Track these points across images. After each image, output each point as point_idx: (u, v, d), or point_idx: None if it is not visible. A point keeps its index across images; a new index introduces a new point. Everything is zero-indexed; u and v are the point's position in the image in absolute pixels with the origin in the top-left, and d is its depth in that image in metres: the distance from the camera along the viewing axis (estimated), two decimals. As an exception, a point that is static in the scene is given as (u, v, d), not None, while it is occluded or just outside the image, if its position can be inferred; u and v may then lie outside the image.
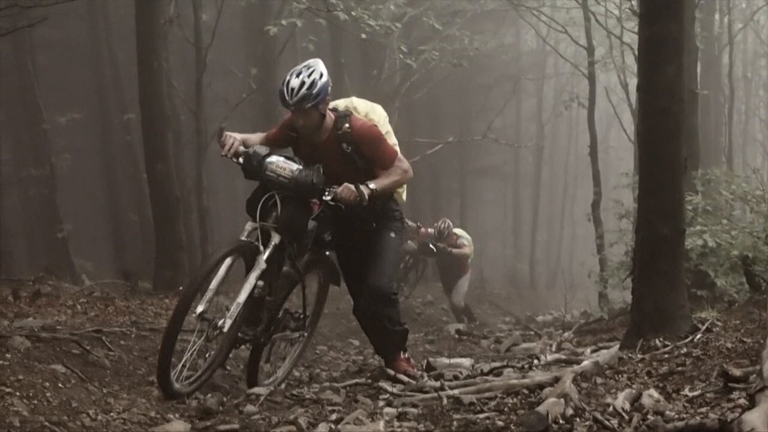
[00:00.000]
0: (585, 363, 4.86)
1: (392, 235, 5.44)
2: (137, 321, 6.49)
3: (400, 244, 5.92)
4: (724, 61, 18.88)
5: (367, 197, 4.88)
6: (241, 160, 4.93)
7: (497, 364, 5.80)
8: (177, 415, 4.16)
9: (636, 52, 8.00)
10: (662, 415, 3.48)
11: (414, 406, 4.21)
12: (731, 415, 3.11)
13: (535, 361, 5.81)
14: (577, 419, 3.55)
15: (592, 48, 14.03)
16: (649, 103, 5.52)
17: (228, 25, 14.11)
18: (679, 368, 4.40)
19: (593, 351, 6.30)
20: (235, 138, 5.04)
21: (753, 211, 8.95)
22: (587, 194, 17.39)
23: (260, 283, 4.74)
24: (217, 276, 4.55)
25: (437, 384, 4.74)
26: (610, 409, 3.65)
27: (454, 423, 3.72)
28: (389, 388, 4.79)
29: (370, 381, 5.12)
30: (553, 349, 7.15)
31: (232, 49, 15.83)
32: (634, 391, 3.87)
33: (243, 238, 4.81)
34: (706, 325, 5.31)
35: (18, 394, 3.77)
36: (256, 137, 5.30)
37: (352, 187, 4.86)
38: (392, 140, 5.46)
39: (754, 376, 3.62)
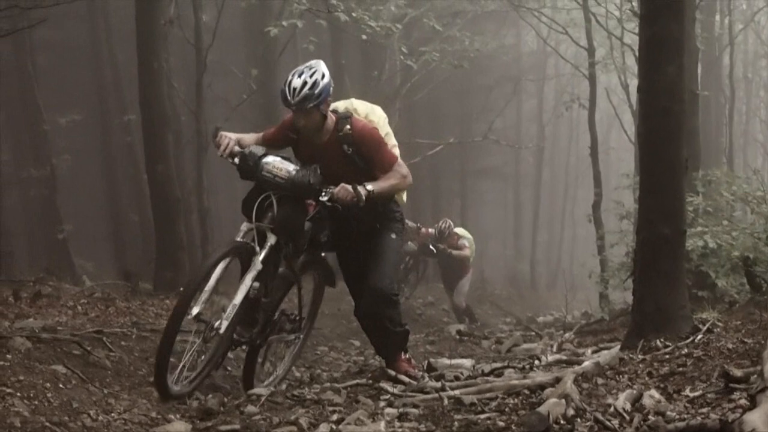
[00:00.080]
0: (586, 363, 4.86)
1: (393, 236, 5.43)
2: (138, 322, 6.49)
3: (401, 245, 5.91)
4: (725, 62, 18.88)
5: (364, 198, 4.87)
6: (236, 160, 4.91)
7: (498, 364, 5.79)
8: (178, 416, 4.16)
9: (636, 53, 8.01)
10: (663, 416, 3.48)
11: (415, 406, 4.20)
12: (732, 416, 3.10)
13: (536, 362, 5.80)
14: (578, 420, 3.55)
15: (592, 49, 14.03)
16: (649, 104, 5.52)
17: (228, 26, 14.11)
18: (680, 369, 4.40)
19: (594, 352, 6.29)
20: (230, 138, 5.02)
21: (754, 212, 8.96)
22: (588, 195, 17.41)
23: (256, 284, 4.72)
24: (213, 277, 4.54)
25: (438, 384, 4.73)
26: (611, 409, 3.65)
27: (455, 423, 3.72)
28: (390, 389, 4.79)
29: (371, 382, 5.11)
30: (554, 349, 7.14)
31: (232, 50, 15.83)
32: (635, 392, 3.87)
33: (239, 239, 4.79)
34: (707, 325, 5.31)
35: (19, 394, 3.77)
36: (251, 137, 5.27)
37: (349, 187, 4.85)
38: (392, 141, 5.45)
39: (755, 376, 3.61)
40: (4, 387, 3.80)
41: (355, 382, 5.16)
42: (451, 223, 11.89)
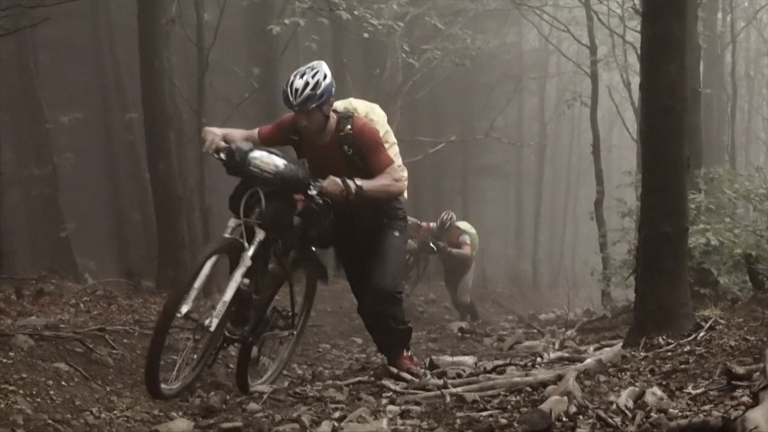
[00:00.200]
0: (588, 361, 4.85)
1: (396, 234, 5.42)
2: (140, 320, 6.49)
3: (405, 243, 5.89)
4: (727, 60, 18.85)
5: (353, 191, 4.83)
6: (223, 155, 4.84)
7: (500, 362, 5.78)
8: (180, 413, 4.16)
9: (638, 51, 8.00)
10: (665, 413, 3.48)
11: (417, 403, 4.20)
12: (735, 413, 3.10)
13: (538, 359, 5.79)
14: (581, 417, 3.54)
15: (594, 47, 14.02)
16: (651, 102, 5.51)
17: (230, 25, 14.11)
18: (683, 366, 4.39)
19: (596, 349, 6.28)
20: (215, 133, 4.98)
21: (756, 210, 8.96)
22: (590, 193, 17.41)
23: (246, 281, 4.66)
24: (201, 275, 4.47)
25: (440, 382, 4.73)
26: (614, 407, 3.65)
27: (457, 421, 3.72)
28: (392, 386, 4.78)
29: (373, 379, 5.11)
30: (556, 347, 7.14)
31: (234, 49, 15.84)
32: (637, 389, 3.86)
33: (227, 235, 4.74)
34: (710, 323, 5.31)
35: (21, 392, 3.78)
36: (238, 133, 5.22)
37: (338, 180, 4.82)
38: (391, 139, 5.44)
39: (758, 374, 3.61)
40: (6, 384, 3.81)
41: (357, 379, 5.16)
42: (454, 216, 11.83)
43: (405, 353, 5.59)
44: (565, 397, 3.69)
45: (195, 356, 4.73)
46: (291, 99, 4.86)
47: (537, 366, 5.48)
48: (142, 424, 3.84)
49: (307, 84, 4.84)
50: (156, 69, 9.70)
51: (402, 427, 3.68)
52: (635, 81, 10.35)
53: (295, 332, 5.52)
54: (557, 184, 32.20)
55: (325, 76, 4.89)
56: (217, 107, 14.14)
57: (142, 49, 9.76)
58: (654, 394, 3.76)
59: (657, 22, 5.41)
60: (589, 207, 14.32)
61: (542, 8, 16.45)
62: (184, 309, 4.37)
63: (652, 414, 3.49)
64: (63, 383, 4.14)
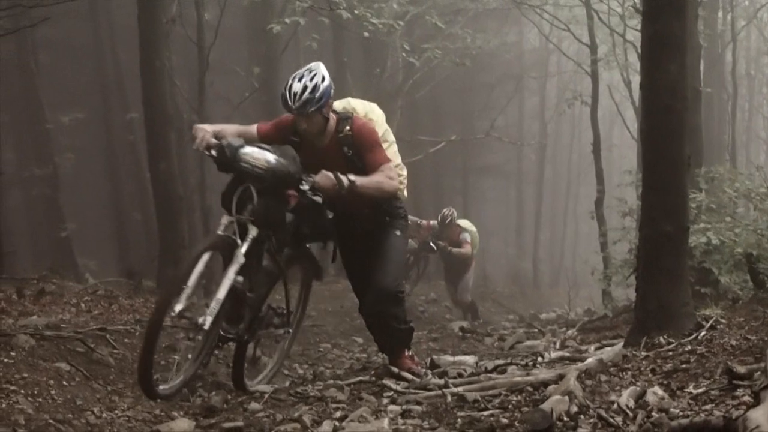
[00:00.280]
0: (589, 360, 4.85)
1: (397, 233, 5.42)
2: (141, 319, 6.48)
3: (406, 242, 5.88)
4: (728, 59, 18.85)
5: (346, 186, 4.80)
6: (214, 152, 4.80)
7: (501, 361, 5.79)
8: (181, 413, 4.16)
9: (639, 50, 8.00)
10: (667, 413, 3.48)
11: (418, 403, 4.20)
12: (736, 413, 3.10)
13: (539, 359, 5.80)
14: (582, 416, 3.54)
15: (595, 46, 14.03)
16: (652, 101, 5.51)
17: (230, 24, 14.11)
18: (684, 365, 4.39)
19: (597, 348, 6.29)
20: (205, 130, 4.94)
21: (757, 209, 8.96)
22: (590, 192, 17.40)
23: (240, 278, 4.62)
24: (194, 273, 4.43)
25: (441, 381, 4.73)
26: (615, 406, 3.65)
27: (459, 420, 3.72)
28: (393, 386, 4.79)
29: (374, 379, 5.11)
30: (557, 346, 7.14)
31: (234, 48, 15.84)
32: (638, 389, 3.86)
33: (220, 233, 4.71)
34: (710, 322, 5.30)
35: (23, 392, 3.78)
36: (232, 129, 5.17)
37: (330, 174, 4.79)
38: (390, 138, 5.43)
39: (759, 373, 3.61)
40: (8, 384, 3.81)
41: (358, 379, 5.16)
42: (455, 212, 11.80)
43: (406, 353, 5.59)
44: (567, 397, 3.69)
45: (190, 355, 4.70)
46: (290, 103, 4.85)
47: (538, 365, 5.49)
48: (144, 424, 3.84)
49: (305, 88, 4.83)
50: (156, 69, 9.70)
51: (403, 427, 3.68)
52: (636, 80, 10.36)
53: (291, 330, 5.49)
54: (558, 184, 32.21)
55: (323, 79, 4.88)
56: (218, 107, 14.13)
57: (142, 49, 9.75)
58: (655, 393, 3.76)
59: (657, 20, 5.41)
60: (590, 206, 14.34)
61: (543, 7, 16.45)
62: (178, 308, 4.32)
63: (654, 413, 3.49)
64: (64, 383, 4.14)
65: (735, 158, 17.31)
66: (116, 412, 3.94)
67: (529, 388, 4.28)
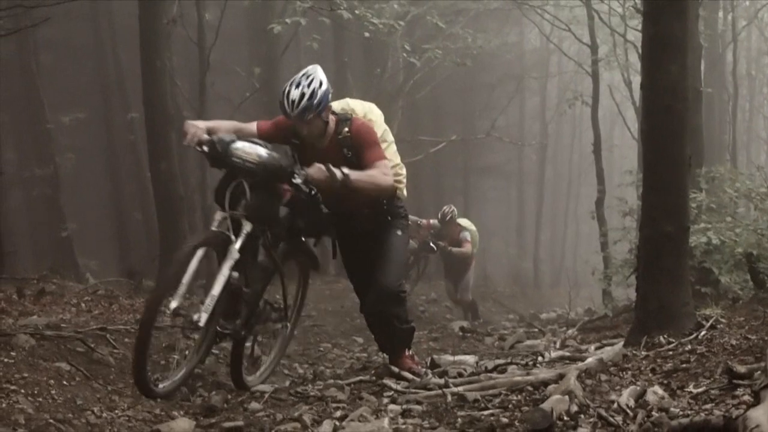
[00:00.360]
0: (589, 360, 4.85)
1: (399, 233, 5.42)
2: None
3: (407, 242, 5.86)
4: (728, 59, 18.85)
5: (339, 179, 4.76)
6: (205, 148, 4.76)
7: (501, 361, 5.79)
8: (182, 413, 4.16)
9: (639, 50, 8.01)
10: (667, 412, 3.48)
11: (418, 403, 4.20)
12: (736, 412, 3.10)
13: (539, 359, 5.80)
14: (582, 416, 3.54)
15: (595, 46, 14.03)
16: (652, 101, 5.51)
17: (231, 25, 14.11)
18: (684, 365, 4.39)
19: (597, 348, 6.28)
20: (197, 126, 4.89)
21: (757, 209, 8.97)
22: (591, 192, 17.40)
23: (235, 274, 4.59)
24: (189, 270, 4.39)
25: (441, 381, 4.73)
26: (615, 406, 3.65)
27: (459, 420, 3.72)
28: (393, 386, 4.78)
29: (374, 378, 5.11)
30: (557, 346, 7.14)
31: (235, 49, 15.85)
32: (638, 388, 3.86)
33: (213, 229, 4.69)
34: (711, 322, 5.30)
35: (23, 391, 3.78)
36: (228, 124, 5.14)
37: (323, 167, 4.76)
38: (389, 138, 5.42)
39: (759, 372, 3.61)
40: (8, 384, 3.81)
41: (358, 378, 5.16)
42: (455, 210, 11.77)
43: (407, 352, 5.59)
44: (567, 396, 3.69)
45: (187, 353, 4.69)
46: (288, 110, 4.84)
47: (538, 365, 5.49)
48: (144, 424, 3.84)
49: (303, 95, 4.80)
50: (157, 69, 9.70)
51: (403, 427, 3.68)
52: (636, 80, 10.38)
53: (288, 325, 5.45)
54: (558, 184, 32.22)
55: (320, 84, 4.85)
56: (219, 107, 14.14)
57: (143, 49, 9.76)
58: (655, 393, 3.76)
59: (658, 21, 5.41)
60: (591, 206, 14.34)
61: (543, 7, 16.46)
62: (173, 305, 4.30)
63: (654, 413, 3.49)
64: (64, 383, 4.14)
65: (735, 158, 17.31)
66: (116, 411, 3.94)
67: (530, 388, 4.28)
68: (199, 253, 4.47)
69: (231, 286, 4.58)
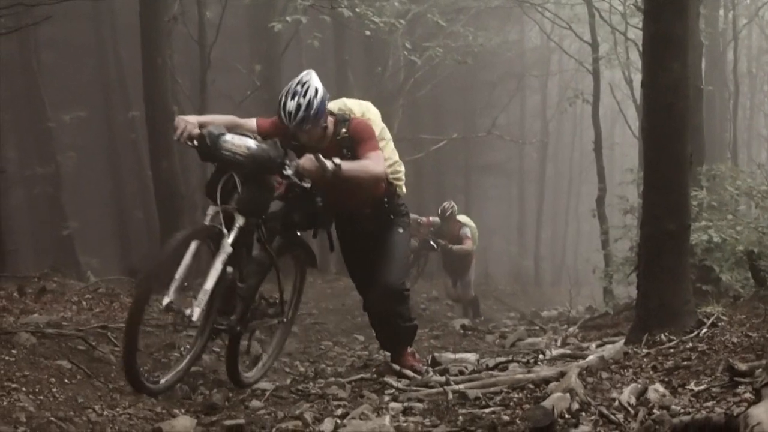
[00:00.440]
0: (590, 358, 4.85)
1: (400, 231, 5.41)
2: (142, 318, 6.47)
3: (409, 239, 5.85)
4: (729, 57, 18.83)
5: (330, 169, 4.71)
6: (195, 142, 4.71)
7: (502, 359, 5.78)
8: (183, 411, 4.16)
9: (640, 48, 8.00)
10: (668, 410, 3.48)
11: (419, 400, 4.21)
12: (737, 410, 3.10)
13: (540, 356, 5.80)
14: (583, 414, 3.55)
15: (596, 44, 14.02)
16: (653, 100, 5.51)
17: (232, 22, 14.13)
18: (685, 363, 4.39)
19: (598, 346, 6.29)
20: (187, 121, 4.82)
21: (758, 207, 8.96)
22: (592, 190, 17.38)
23: (230, 269, 4.55)
24: (183, 264, 4.34)
25: (442, 379, 4.73)
26: (616, 403, 3.65)
27: (460, 418, 3.72)
28: (395, 383, 4.79)
29: (375, 376, 5.12)
30: (558, 344, 7.14)
31: (236, 46, 15.85)
32: (639, 386, 3.86)
33: (206, 223, 4.63)
34: (712, 319, 5.30)
35: (24, 389, 3.78)
36: (225, 119, 5.07)
37: (313, 157, 4.70)
38: (387, 136, 5.41)
39: (760, 370, 3.60)
40: (9, 382, 3.81)
41: (359, 376, 5.17)
42: (455, 206, 11.73)
43: (408, 350, 5.59)
44: (568, 394, 3.69)
45: (183, 349, 4.67)
46: (286, 122, 4.82)
47: (539, 363, 5.49)
48: (145, 422, 3.84)
49: (299, 106, 4.76)
50: (158, 67, 9.70)
51: (404, 424, 3.68)
52: (637, 78, 10.37)
53: (285, 320, 5.42)
54: (559, 182, 32.22)
55: (316, 91, 4.80)
56: (220, 104, 14.12)
57: (144, 47, 9.76)
58: (656, 390, 3.76)
59: (659, 20, 5.41)
60: (591, 204, 14.34)
61: (544, 5, 16.44)
62: (166, 300, 4.26)
63: (655, 411, 3.49)
64: (65, 381, 4.14)
65: (736, 156, 17.31)
66: (117, 409, 3.94)
67: (531, 386, 4.28)
68: (192, 246, 4.41)
69: (225, 281, 4.55)
